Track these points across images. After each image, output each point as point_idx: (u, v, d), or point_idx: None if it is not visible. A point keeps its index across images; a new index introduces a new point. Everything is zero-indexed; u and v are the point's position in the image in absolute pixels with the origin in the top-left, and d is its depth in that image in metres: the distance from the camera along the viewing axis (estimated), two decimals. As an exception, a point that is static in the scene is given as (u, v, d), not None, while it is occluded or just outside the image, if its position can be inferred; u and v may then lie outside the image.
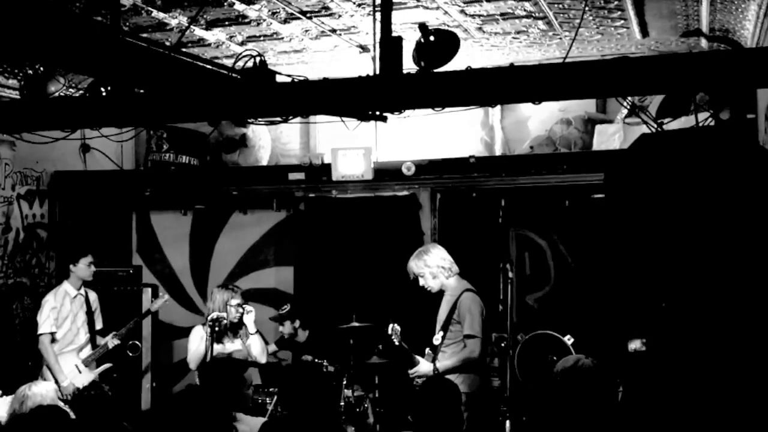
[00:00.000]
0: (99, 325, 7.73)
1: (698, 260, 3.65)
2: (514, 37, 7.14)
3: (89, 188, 8.95)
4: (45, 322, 7.33)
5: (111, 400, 5.20)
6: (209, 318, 6.76)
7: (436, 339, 6.51)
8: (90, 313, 7.58)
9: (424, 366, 6.46)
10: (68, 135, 5.47)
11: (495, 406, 6.72)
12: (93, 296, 7.70)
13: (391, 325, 6.93)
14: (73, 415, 5.11)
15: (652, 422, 3.80)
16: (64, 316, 7.40)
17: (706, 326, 3.63)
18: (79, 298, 7.52)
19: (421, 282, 6.69)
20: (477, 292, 6.58)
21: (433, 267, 6.59)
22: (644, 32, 6.85)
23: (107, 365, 7.53)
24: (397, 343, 6.90)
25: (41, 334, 7.31)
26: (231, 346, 7.06)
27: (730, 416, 3.52)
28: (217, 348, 6.90)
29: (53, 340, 7.33)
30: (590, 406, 4.24)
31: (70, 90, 6.35)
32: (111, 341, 7.49)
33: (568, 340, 7.20)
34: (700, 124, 6.22)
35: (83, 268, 7.49)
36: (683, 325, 3.72)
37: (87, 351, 7.51)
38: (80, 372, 7.35)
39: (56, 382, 7.11)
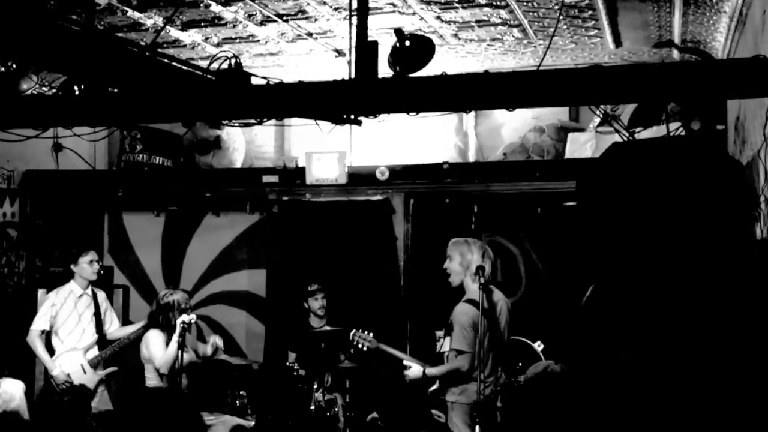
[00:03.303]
0: (116, 323, 7.63)
1: (668, 267, 3.69)
2: (489, 45, 7.19)
3: (61, 188, 8.88)
4: (40, 318, 7.25)
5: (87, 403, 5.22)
6: (181, 321, 6.68)
7: (444, 346, 6.35)
8: (98, 314, 7.46)
9: (414, 370, 6.30)
10: (40, 133, 5.43)
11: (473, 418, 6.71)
12: (102, 296, 7.55)
13: (353, 332, 6.93)
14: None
15: (625, 427, 3.84)
16: (67, 314, 7.28)
17: (679, 333, 3.67)
18: (86, 297, 7.40)
19: (446, 263, 6.32)
20: (473, 301, 6.07)
21: (464, 263, 6.23)
22: (617, 42, 6.93)
23: (113, 368, 7.43)
24: (365, 350, 6.90)
25: (32, 329, 7.23)
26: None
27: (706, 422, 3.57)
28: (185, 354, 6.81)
29: (44, 334, 7.23)
30: (560, 412, 4.28)
31: (43, 88, 6.31)
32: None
33: (538, 346, 7.26)
34: (671, 134, 6.30)
35: (85, 267, 7.32)
36: (655, 331, 3.76)
37: (94, 352, 7.38)
38: (85, 372, 7.22)
39: (47, 373, 7.13)
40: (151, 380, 6.86)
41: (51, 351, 7.27)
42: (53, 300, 7.31)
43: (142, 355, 6.93)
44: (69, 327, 7.31)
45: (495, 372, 6.15)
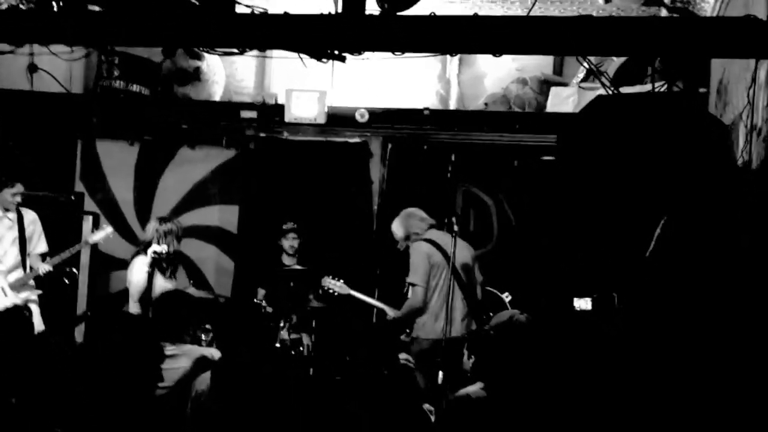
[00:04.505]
0: (41, 248, 7.47)
1: (646, 222, 3.70)
2: (478, -9, 7.11)
3: (35, 110, 8.70)
4: None
5: (29, 324, 5.18)
6: (152, 251, 6.69)
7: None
8: (22, 235, 7.34)
9: (390, 315, 6.64)
10: (15, 50, 5.28)
11: (431, 358, 6.80)
12: (30, 217, 7.40)
13: (324, 278, 6.98)
14: None
15: (591, 376, 3.88)
16: None
17: (655, 288, 3.69)
18: (6, 220, 7.27)
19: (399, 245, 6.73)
20: (430, 240, 6.51)
21: (402, 236, 6.66)
22: (607, -3, 6.88)
23: (39, 291, 7.35)
24: (336, 296, 6.97)
25: None
26: (172, 282, 7.01)
27: (670, 371, 3.60)
28: (162, 283, 6.83)
29: None
30: (523, 360, 4.32)
31: (21, 5, 6.13)
32: (43, 266, 7.26)
33: (507, 297, 7.31)
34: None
35: (7, 197, 7.12)
36: (632, 285, 3.78)
37: (17, 274, 7.27)
38: (6, 295, 7.14)
39: None
40: (131, 307, 6.90)
41: None
42: None
43: (127, 281, 6.97)
44: None
45: (464, 317, 6.31)
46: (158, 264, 6.79)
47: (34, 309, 7.19)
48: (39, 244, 7.44)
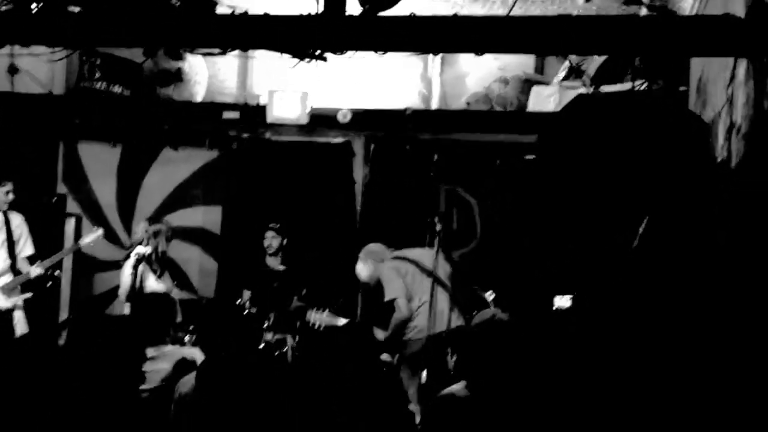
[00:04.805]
0: (28, 251, 7.40)
1: (626, 220, 3.72)
2: (459, -9, 7.13)
3: (16, 111, 8.65)
4: None
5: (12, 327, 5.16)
6: (135, 252, 6.70)
7: None
8: (10, 238, 7.29)
9: (379, 336, 6.50)
10: (-5, 50, 5.26)
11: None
12: (17, 220, 7.34)
13: (308, 312, 6.86)
14: None
15: (571, 376, 3.89)
16: None
17: (634, 288, 3.70)
18: None
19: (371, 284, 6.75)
20: (393, 257, 6.59)
21: (372, 277, 6.69)
22: (588, -4, 6.92)
23: (28, 294, 7.30)
24: (322, 330, 6.87)
25: None
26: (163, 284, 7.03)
27: (645, 367, 3.62)
28: (153, 284, 6.85)
29: None
30: (505, 358, 4.33)
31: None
32: (34, 270, 7.20)
33: (490, 295, 7.31)
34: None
35: None
36: (611, 285, 3.79)
37: (7, 278, 7.22)
38: None
39: None
40: (123, 308, 6.91)
41: None
42: None
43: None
44: None
45: (449, 313, 6.32)
46: (149, 265, 6.83)
47: (20, 312, 7.16)
48: (26, 247, 7.38)
